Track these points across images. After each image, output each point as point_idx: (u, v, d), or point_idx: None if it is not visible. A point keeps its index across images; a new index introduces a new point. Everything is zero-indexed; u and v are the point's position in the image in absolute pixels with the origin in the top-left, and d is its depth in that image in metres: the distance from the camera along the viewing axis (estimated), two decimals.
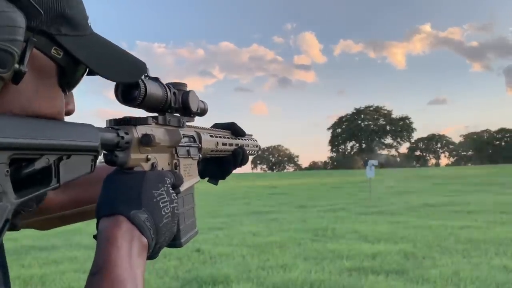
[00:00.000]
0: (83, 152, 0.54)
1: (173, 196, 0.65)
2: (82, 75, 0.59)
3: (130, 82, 0.63)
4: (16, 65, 0.45)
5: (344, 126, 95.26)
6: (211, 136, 0.91)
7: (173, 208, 0.64)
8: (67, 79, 0.56)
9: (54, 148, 0.50)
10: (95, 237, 0.57)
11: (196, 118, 0.85)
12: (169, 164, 0.74)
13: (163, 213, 0.61)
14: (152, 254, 0.61)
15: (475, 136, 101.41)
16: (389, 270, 4.90)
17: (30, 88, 0.51)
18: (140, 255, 0.56)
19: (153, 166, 0.68)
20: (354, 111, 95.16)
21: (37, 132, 0.48)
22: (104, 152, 0.60)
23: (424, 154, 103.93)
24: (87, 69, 0.58)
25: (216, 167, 1.00)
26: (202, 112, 0.85)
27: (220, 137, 0.96)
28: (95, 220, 0.86)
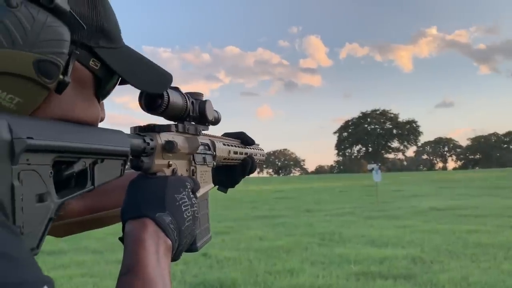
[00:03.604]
0: (115, 156, 0.58)
1: (194, 200, 0.68)
2: (114, 86, 0.62)
3: (159, 92, 0.66)
4: (61, 76, 0.49)
5: (350, 130, 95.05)
6: (224, 144, 0.94)
7: (193, 212, 0.67)
8: (102, 89, 0.59)
9: (91, 152, 0.53)
10: (121, 239, 0.59)
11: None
12: (187, 170, 0.77)
13: (185, 216, 0.64)
14: (174, 256, 0.64)
15: (482, 140, 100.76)
16: (397, 275, 4.87)
17: (70, 97, 0.54)
18: (165, 256, 0.59)
19: (173, 171, 0.71)
20: (361, 114, 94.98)
21: (77, 137, 0.51)
22: (130, 157, 0.62)
23: (431, 157, 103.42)
24: (119, 79, 0.61)
25: (225, 175, 1.03)
26: (216, 121, 0.89)
27: (232, 145, 0.99)
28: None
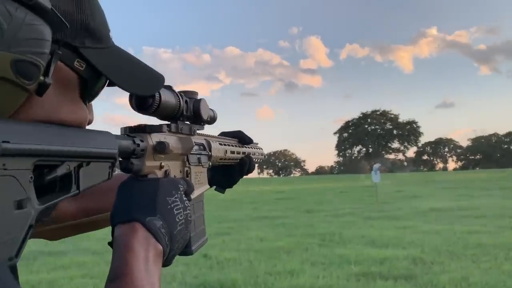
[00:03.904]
0: (102, 159, 0.55)
1: (186, 203, 0.66)
2: (103, 87, 0.59)
3: (148, 94, 0.64)
4: (41, 77, 0.46)
5: (350, 131, 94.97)
6: (220, 144, 0.93)
7: (186, 215, 0.65)
8: (89, 91, 0.57)
9: (75, 155, 0.51)
10: (110, 244, 0.58)
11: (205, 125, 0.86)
12: (181, 172, 0.75)
13: (177, 220, 0.62)
14: (166, 261, 0.62)
15: (483, 140, 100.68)
16: (398, 275, 4.87)
17: (53, 99, 0.51)
18: (156, 262, 0.57)
19: (166, 173, 0.69)
20: (361, 115, 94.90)
21: (60, 139, 0.49)
22: (119, 159, 0.61)
23: (432, 158, 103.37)
24: (107, 80, 0.59)
25: (223, 175, 1.01)
26: (212, 120, 0.87)
27: (229, 145, 0.97)
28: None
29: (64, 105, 0.53)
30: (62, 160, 0.49)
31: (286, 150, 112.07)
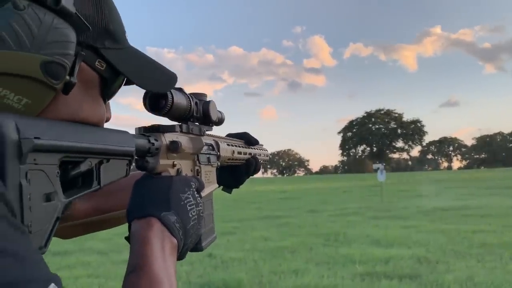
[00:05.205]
0: (120, 156, 0.58)
1: (198, 199, 0.68)
2: (120, 86, 0.62)
3: (164, 91, 0.68)
4: (67, 77, 0.49)
5: (354, 130, 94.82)
6: (228, 144, 0.95)
7: (198, 211, 0.67)
8: (108, 90, 0.60)
9: (97, 152, 0.54)
10: (127, 238, 0.60)
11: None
12: (191, 171, 0.77)
13: (190, 215, 0.65)
14: (180, 255, 0.64)
15: (488, 139, 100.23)
16: (403, 275, 4.86)
17: (77, 98, 0.54)
18: (171, 255, 0.59)
19: (178, 171, 0.72)
20: (365, 114, 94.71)
21: (83, 137, 0.52)
22: (135, 157, 0.63)
23: (436, 157, 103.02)
24: (124, 79, 0.62)
25: (229, 176, 1.03)
26: (220, 121, 0.89)
27: (236, 146, 1.00)
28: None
29: (87, 103, 0.56)
30: (85, 156, 0.53)
31: (289, 149, 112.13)
